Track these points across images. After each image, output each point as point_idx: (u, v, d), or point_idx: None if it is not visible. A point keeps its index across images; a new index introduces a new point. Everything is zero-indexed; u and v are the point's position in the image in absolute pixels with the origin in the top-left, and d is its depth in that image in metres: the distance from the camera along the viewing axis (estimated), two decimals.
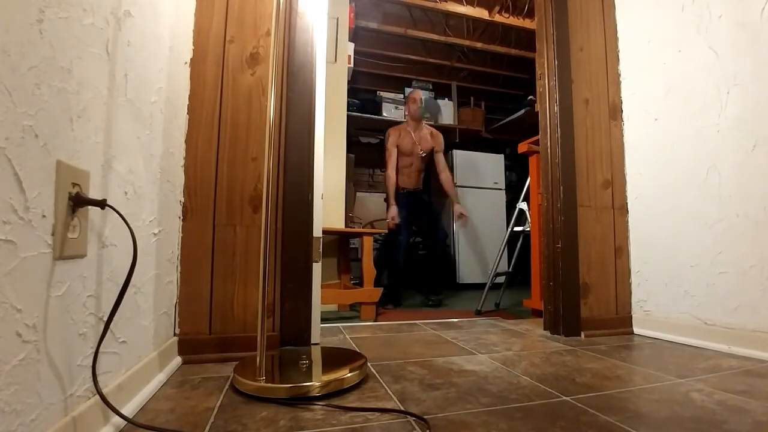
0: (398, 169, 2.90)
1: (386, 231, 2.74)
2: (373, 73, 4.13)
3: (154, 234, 0.99)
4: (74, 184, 0.61)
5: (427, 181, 3.19)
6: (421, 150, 2.89)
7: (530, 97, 3.64)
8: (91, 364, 0.66)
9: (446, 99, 4.32)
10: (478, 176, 4.08)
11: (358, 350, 1.35)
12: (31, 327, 0.52)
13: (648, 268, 1.68)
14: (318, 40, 1.44)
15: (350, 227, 2.75)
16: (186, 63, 1.24)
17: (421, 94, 3.00)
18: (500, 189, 4.17)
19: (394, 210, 2.71)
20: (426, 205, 2.93)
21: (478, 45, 3.91)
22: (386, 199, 2.88)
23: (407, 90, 4.15)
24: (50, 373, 0.56)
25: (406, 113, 3.02)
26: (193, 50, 1.28)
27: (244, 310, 1.27)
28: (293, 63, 1.39)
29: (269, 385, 0.90)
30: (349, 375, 0.97)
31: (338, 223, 2.46)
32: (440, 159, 2.97)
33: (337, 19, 2.61)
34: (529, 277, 2.24)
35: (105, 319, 0.72)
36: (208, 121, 1.29)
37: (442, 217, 3.04)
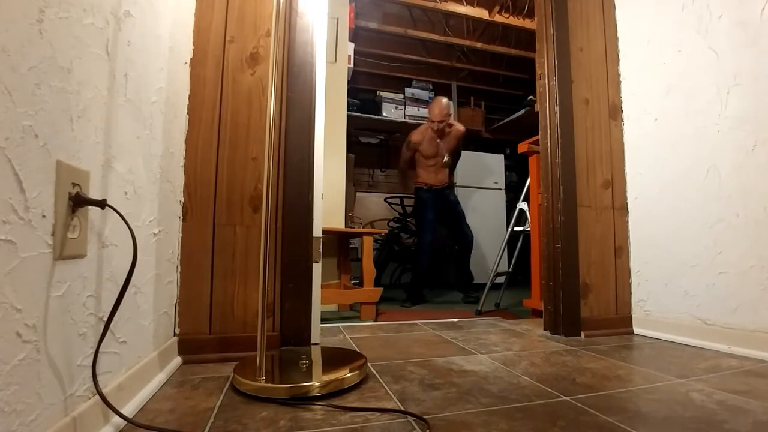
0: (420, 165, 2.85)
1: (387, 232, 2.73)
2: (373, 73, 4.14)
3: (154, 234, 0.99)
4: (74, 184, 0.61)
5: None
6: (446, 154, 2.83)
7: (530, 97, 3.64)
8: (91, 364, 0.66)
9: None
10: (478, 176, 4.09)
11: (358, 350, 1.35)
12: (31, 327, 0.52)
13: (648, 268, 1.68)
14: (318, 40, 1.45)
15: (350, 227, 2.75)
16: (186, 63, 1.24)
17: (438, 117, 2.75)
18: (500, 189, 4.18)
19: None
20: (453, 204, 2.88)
21: (478, 45, 3.92)
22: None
23: (407, 90, 4.15)
24: (50, 373, 0.56)
25: (430, 122, 2.83)
26: (193, 50, 1.28)
27: (244, 310, 1.27)
28: (293, 63, 1.39)
29: (269, 385, 0.90)
30: (349, 375, 0.97)
31: (338, 223, 2.46)
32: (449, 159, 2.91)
33: (337, 19, 2.61)
34: (529, 277, 2.24)
35: (105, 319, 0.72)
36: (208, 121, 1.29)
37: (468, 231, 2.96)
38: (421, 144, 2.83)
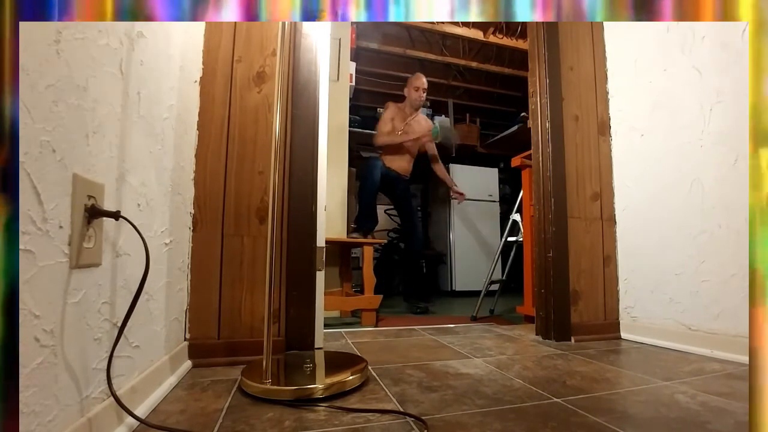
0: (386, 148, 2.72)
1: (386, 242, 2.73)
2: (374, 90, 4.19)
3: (166, 244, 1.01)
4: (90, 197, 0.63)
5: (424, 181, 3.01)
6: (409, 134, 2.71)
7: (523, 114, 3.70)
8: (105, 367, 0.68)
9: (443, 116, 4.39)
10: (473, 189, 4.15)
11: (359, 354, 1.37)
12: (48, 332, 0.53)
13: (635, 276, 1.70)
14: (321, 59, 1.48)
15: (351, 237, 2.79)
16: (196, 81, 1.27)
17: (424, 85, 2.70)
18: (494, 201, 4.25)
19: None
20: (406, 193, 2.78)
21: (474, 64, 4.00)
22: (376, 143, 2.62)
23: None
24: (67, 375, 0.57)
25: (406, 97, 2.75)
26: (203, 69, 1.30)
27: (251, 316, 1.28)
28: (298, 81, 1.42)
29: (275, 387, 0.92)
30: (350, 378, 0.99)
31: (340, 234, 2.50)
32: (431, 147, 2.87)
33: (340, 39, 2.67)
34: (522, 284, 2.28)
35: (119, 324, 0.72)
36: (217, 136, 1.31)
37: (419, 225, 2.90)
38: (394, 119, 2.75)
